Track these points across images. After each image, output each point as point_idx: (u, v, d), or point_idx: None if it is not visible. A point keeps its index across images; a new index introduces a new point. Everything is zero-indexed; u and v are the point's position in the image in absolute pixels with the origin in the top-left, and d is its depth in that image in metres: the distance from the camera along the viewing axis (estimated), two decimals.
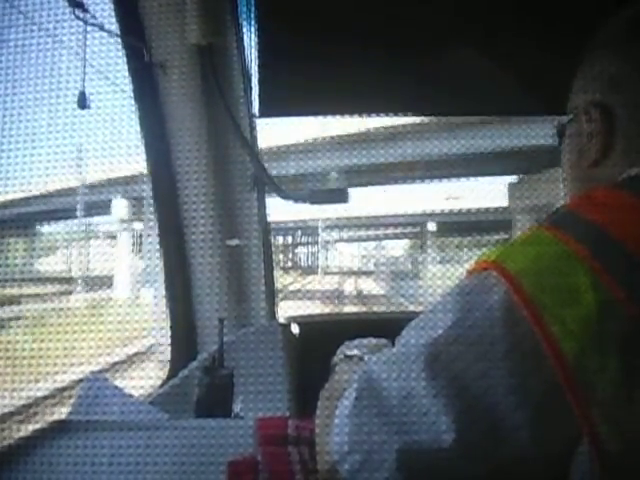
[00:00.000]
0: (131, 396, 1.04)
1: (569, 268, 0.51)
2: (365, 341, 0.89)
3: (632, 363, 0.48)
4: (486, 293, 0.53)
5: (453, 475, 0.51)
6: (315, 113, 1.36)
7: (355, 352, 0.83)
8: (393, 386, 0.54)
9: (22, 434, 0.84)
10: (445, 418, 0.50)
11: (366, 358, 0.82)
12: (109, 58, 1.00)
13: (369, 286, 14.37)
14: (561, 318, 0.49)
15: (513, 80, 1.14)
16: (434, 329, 0.54)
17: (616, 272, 0.50)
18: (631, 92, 0.64)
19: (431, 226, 14.32)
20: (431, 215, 13.91)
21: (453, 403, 0.50)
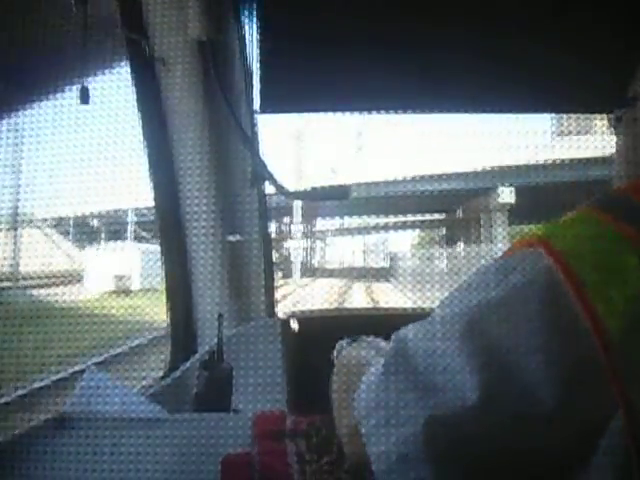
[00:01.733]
0: (130, 389, 1.05)
1: (617, 249, 0.51)
2: (364, 337, 0.90)
3: None
4: (531, 267, 0.53)
5: (477, 436, 0.51)
6: (316, 110, 1.37)
7: (360, 341, 0.84)
8: (425, 349, 0.54)
9: (22, 426, 0.85)
10: (472, 380, 0.50)
11: (369, 339, 0.83)
12: (111, 53, 1.00)
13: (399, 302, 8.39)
14: (607, 297, 0.49)
15: (517, 77, 1.14)
16: (473, 299, 0.54)
17: None
18: None
19: (505, 195, 7.79)
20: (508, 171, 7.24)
21: (483, 367, 0.50)
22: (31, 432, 0.83)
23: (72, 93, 0.81)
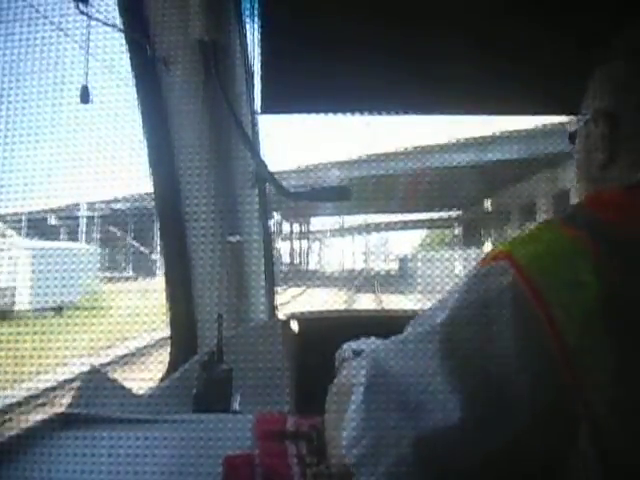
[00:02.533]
0: (130, 390, 1.04)
1: (578, 264, 0.54)
2: (363, 339, 0.89)
3: (630, 349, 0.50)
4: (496, 280, 0.55)
5: (464, 454, 0.52)
6: (317, 111, 1.36)
7: (363, 347, 0.84)
8: (404, 369, 0.56)
9: (22, 427, 0.84)
10: (455, 398, 0.52)
11: (370, 341, 0.83)
12: (112, 53, 1.00)
13: None
14: (565, 305, 0.52)
15: (516, 80, 1.14)
16: (445, 314, 0.56)
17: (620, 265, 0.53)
18: (637, 101, 0.66)
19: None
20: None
21: (463, 382, 0.52)
22: (30, 432, 0.82)
23: (72, 92, 0.81)
